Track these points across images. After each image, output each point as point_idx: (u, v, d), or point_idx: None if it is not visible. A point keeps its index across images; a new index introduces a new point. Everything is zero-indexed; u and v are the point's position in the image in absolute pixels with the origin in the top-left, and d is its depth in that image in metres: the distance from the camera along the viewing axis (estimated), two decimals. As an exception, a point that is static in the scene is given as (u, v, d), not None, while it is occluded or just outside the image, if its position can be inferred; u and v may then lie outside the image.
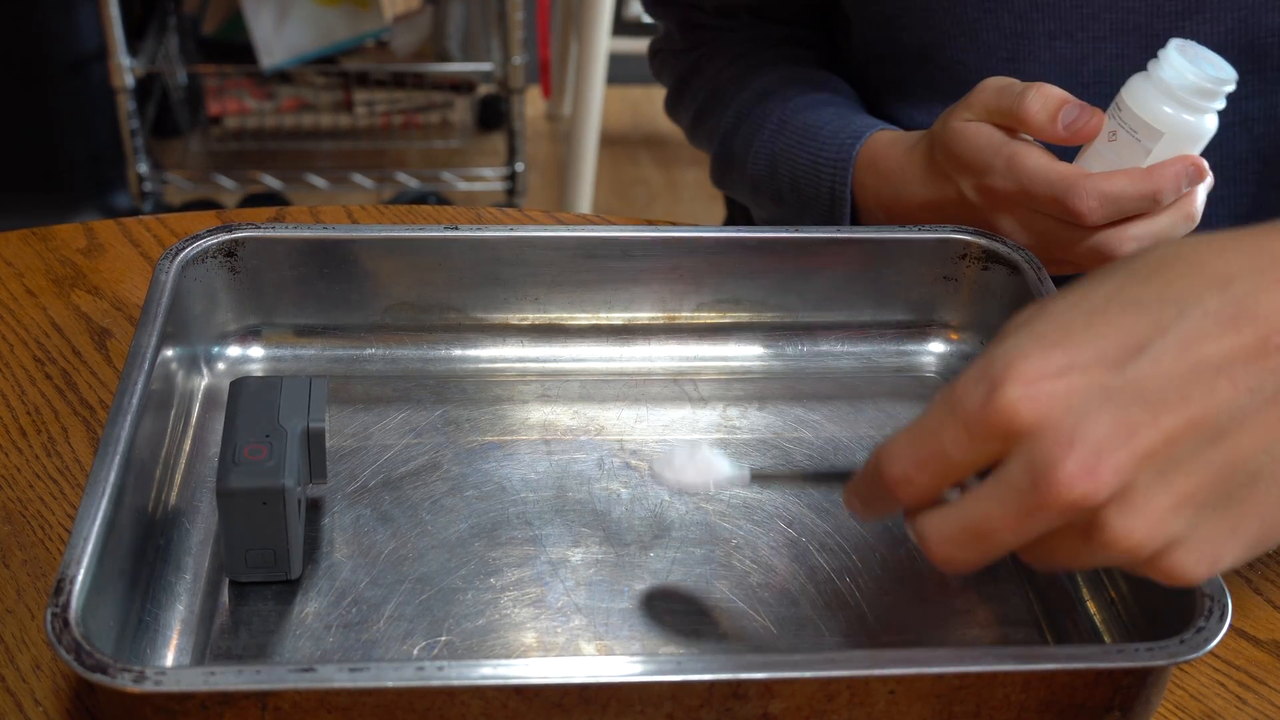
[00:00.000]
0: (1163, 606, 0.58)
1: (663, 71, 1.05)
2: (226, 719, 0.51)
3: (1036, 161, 0.74)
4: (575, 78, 2.42)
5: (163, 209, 2.32)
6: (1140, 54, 0.77)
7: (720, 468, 0.59)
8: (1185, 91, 0.71)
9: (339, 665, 0.50)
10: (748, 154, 0.92)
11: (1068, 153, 0.76)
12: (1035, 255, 0.74)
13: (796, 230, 0.75)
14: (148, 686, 0.49)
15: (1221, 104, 0.72)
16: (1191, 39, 0.73)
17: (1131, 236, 0.73)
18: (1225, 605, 0.54)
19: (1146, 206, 0.72)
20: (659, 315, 0.77)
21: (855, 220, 0.87)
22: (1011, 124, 0.76)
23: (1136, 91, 0.73)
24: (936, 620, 0.62)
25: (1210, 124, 0.73)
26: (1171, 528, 0.46)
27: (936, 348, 0.78)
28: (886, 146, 0.84)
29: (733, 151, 0.94)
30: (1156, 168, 0.72)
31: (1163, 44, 0.72)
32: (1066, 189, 0.72)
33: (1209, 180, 0.74)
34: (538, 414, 0.72)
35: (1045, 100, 0.74)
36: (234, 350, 0.74)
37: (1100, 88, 0.82)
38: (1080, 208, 0.72)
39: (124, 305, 0.81)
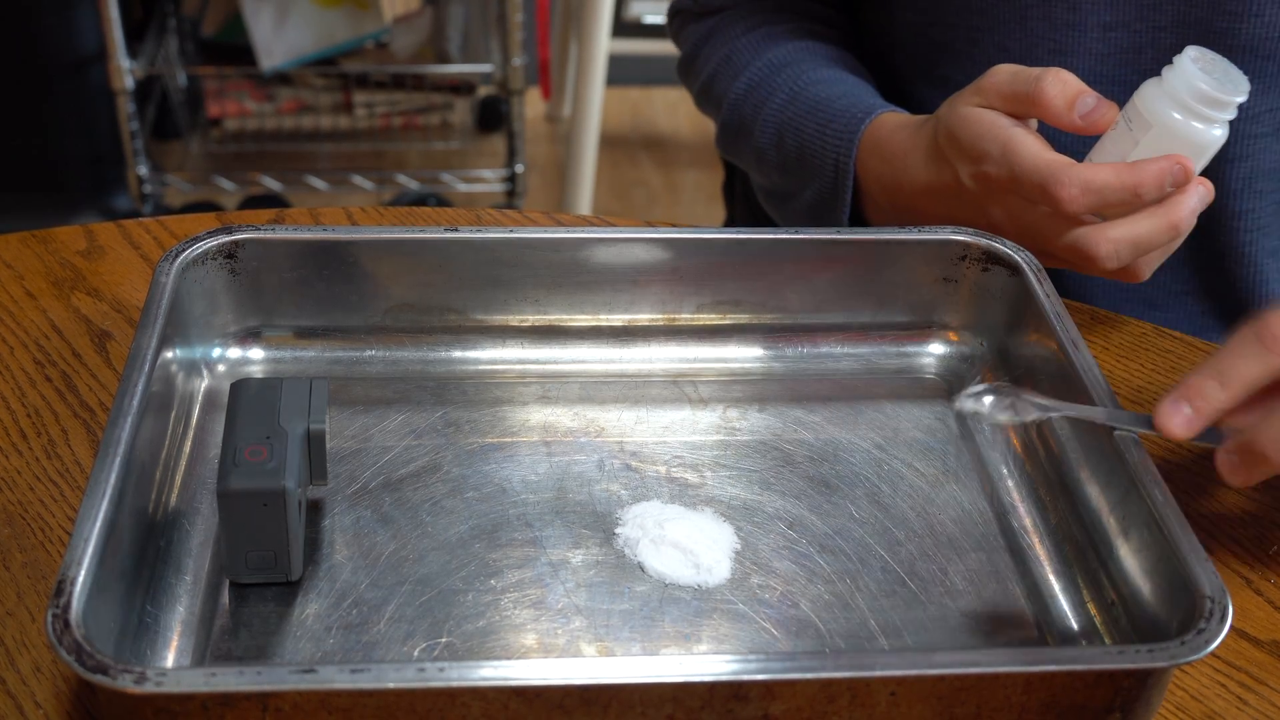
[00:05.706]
0: (1163, 608, 0.58)
1: (680, 34, 1.04)
2: (227, 720, 0.51)
3: (1029, 148, 0.74)
4: (575, 79, 2.42)
5: (162, 211, 2.32)
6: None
7: None
8: (1191, 97, 0.71)
9: (340, 666, 0.50)
10: (755, 123, 0.92)
11: (1069, 146, 0.75)
12: (1024, 247, 0.74)
13: (796, 232, 0.75)
14: (148, 688, 0.49)
15: (1231, 115, 0.72)
16: (1247, 41, 0.72)
17: (1110, 238, 0.73)
18: (1225, 606, 0.54)
19: (1128, 200, 0.72)
20: (659, 317, 0.77)
21: (856, 199, 0.87)
22: (1026, 109, 0.75)
23: (1146, 92, 0.73)
24: (937, 621, 0.62)
25: (1216, 134, 0.72)
26: None
27: (936, 349, 0.78)
28: (892, 130, 0.84)
29: (741, 119, 0.94)
30: (1141, 163, 0.72)
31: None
32: (1051, 175, 0.72)
33: (1203, 194, 0.73)
34: (538, 415, 0.72)
35: (1064, 87, 0.74)
36: (234, 352, 0.74)
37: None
38: (1062, 195, 0.72)
39: (124, 307, 0.81)
